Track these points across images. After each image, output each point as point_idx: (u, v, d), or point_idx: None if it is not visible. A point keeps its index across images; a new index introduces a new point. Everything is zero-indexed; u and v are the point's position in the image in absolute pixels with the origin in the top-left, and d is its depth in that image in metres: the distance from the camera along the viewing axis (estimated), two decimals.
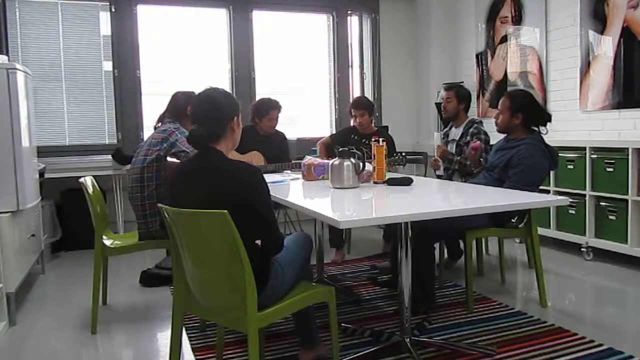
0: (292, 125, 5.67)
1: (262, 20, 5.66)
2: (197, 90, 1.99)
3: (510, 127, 3.08)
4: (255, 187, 1.82)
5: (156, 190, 3.00)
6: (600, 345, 2.35)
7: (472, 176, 3.37)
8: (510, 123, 3.06)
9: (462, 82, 5.47)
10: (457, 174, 3.62)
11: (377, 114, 5.97)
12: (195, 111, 1.93)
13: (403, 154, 3.36)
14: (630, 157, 3.53)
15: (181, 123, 3.12)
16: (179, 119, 3.14)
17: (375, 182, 2.85)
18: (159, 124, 3.20)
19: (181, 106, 3.14)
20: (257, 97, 5.39)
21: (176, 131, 3.05)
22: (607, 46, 4.07)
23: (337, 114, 5.99)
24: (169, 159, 3.02)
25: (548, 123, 3.06)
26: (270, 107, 4.03)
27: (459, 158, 3.57)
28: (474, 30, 5.58)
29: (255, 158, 3.88)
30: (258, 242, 1.92)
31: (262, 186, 1.85)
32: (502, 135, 3.19)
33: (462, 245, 3.33)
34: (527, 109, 3.04)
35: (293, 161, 3.94)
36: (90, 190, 2.83)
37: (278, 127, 4.24)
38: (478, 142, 3.40)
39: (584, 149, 3.88)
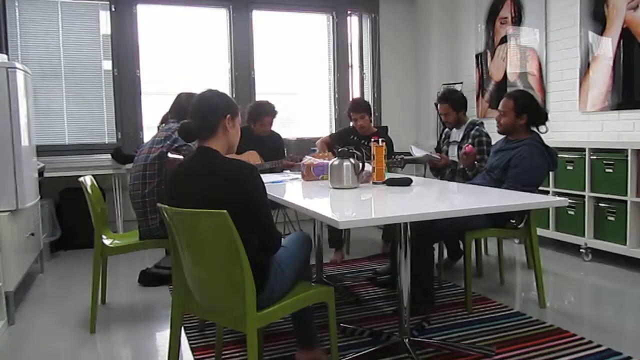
0: (292, 125, 5.68)
1: (262, 20, 5.66)
2: (200, 92, 2.03)
3: (514, 128, 3.07)
4: (250, 186, 1.82)
5: (157, 188, 3.01)
6: (599, 346, 2.35)
7: (470, 178, 3.36)
8: (515, 124, 3.05)
9: (461, 82, 5.48)
10: (458, 177, 3.61)
11: (376, 114, 5.97)
12: (190, 109, 2.00)
13: (401, 156, 3.35)
14: (629, 158, 3.53)
15: None
16: (182, 119, 3.15)
17: (374, 183, 2.85)
18: (163, 124, 3.23)
19: (184, 107, 3.16)
20: (257, 97, 5.43)
21: None
22: (606, 47, 4.07)
23: (336, 114, 5.99)
24: (170, 155, 3.04)
25: (547, 122, 3.06)
26: (264, 114, 4.00)
27: (462, 166, 3.54)
28: (474, 30, 5.58)
29: (252, 157, 3.88)
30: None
31: (258, 184, 1.85)
32: (501, 136, 3.19)
33: (461, 245, 3.33)
34: (531, 109, 3.04)
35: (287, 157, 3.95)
36: (90, 189, 2.82)
37: (277, 128, 4.24)
38: (471, 146, 3.39)
39: (584, 150, 3.88)
